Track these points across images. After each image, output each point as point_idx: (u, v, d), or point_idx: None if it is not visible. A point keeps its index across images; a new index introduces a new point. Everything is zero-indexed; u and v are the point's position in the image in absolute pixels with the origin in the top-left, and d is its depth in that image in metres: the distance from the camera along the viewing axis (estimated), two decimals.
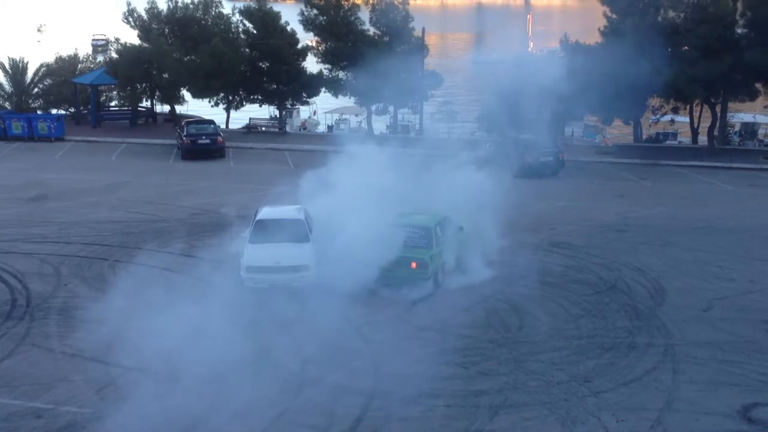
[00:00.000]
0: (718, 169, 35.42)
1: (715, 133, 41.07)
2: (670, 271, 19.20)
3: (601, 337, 15.05)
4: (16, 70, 44.94)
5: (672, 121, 44.97)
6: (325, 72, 44.80)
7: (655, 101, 40.73)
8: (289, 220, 18.17)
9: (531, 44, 59.45)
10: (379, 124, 45.52)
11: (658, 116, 42.63)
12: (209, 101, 46.10)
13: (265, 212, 18.72)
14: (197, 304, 14.78)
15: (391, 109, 44.01)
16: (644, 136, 44.29)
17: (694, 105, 42.26)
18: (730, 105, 42.10)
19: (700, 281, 18.55)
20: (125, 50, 44.02)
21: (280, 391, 12.59)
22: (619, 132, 47.63)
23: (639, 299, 17.22)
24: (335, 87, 44.56)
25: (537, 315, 16.18)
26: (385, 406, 12.21)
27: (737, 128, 45.00)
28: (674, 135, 45.66)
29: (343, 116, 51.97)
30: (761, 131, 46.21)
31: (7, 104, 44.64)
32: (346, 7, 43.41)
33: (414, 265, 16.66)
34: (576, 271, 19.06)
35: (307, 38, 46.09)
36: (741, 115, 46.55)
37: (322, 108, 52.49)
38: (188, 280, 17.01)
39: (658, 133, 45.23)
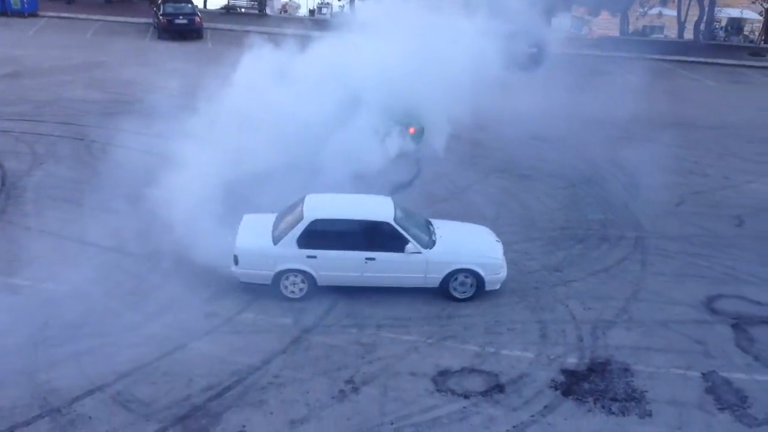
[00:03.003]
0: (702, 65, 35.18)
1: (702, 27, 40.57)
2: (645, 166, 19.31)
3: (574, 228, 15.31)
4: None
5: (660, 14, 44.29)
6: None
7: None
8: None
9: None
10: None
11: (645, 9, 41.92)
12: None
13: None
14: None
15: None
16: (631, 29, 43.70)
17: None
18: None
19: (675, 176, 18.75)
20: None
21: None
22: (606, 23, 46.85)
23: (614, 193, 17.43)
24: None
25: (512, 207, 16.37)
26: None
27: (724, 23, 44.43)
28: (660, 29, 45.11)
29: (326, 0, 50.63)
30: (747, 27, 45.70)
31: None
32: None
33: (412, 130, 18.71)
34: (553, 164, 19.14)
35: None
36: (728, 10, 45.88)
37: None
38: (165, 162, 16.81)
39: (644, 27, 44.63)
